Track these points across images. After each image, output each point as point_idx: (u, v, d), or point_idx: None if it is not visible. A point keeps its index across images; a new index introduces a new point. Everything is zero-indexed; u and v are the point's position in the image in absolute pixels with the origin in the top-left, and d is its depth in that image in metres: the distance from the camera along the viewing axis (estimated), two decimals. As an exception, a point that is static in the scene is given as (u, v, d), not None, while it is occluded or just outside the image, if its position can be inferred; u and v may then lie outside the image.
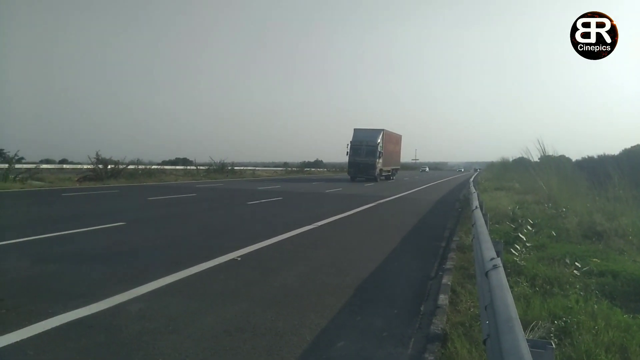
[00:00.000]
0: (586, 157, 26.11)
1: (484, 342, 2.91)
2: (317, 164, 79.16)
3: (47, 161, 51.09)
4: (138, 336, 3.93)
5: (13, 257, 6.78)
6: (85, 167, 30.86)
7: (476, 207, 8.23)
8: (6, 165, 23.10)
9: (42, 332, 3.94)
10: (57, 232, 8.82)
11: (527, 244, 7.30)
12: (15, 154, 27.15)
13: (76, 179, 25.71)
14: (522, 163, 27.93)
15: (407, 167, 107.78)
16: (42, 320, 4.19)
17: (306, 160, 74.44)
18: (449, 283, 5.95)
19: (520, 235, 7.48)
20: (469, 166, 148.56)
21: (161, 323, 4.25)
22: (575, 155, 28.44)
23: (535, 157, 20.29)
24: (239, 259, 7.03)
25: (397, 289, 5.84)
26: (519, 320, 2.20)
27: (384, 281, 6.22)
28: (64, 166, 43.44)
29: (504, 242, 5.69)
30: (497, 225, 10.27)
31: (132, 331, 4.03)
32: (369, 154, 36.18)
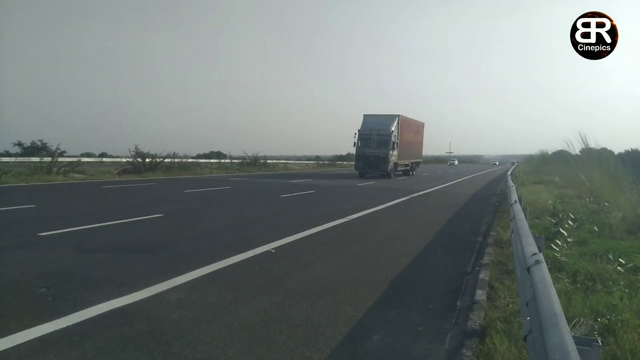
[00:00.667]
0: (629, 149, 25.10)
1: (525, 338, 2.85)
2: (349, 157, 78.79)
3: (88, 155, 53.00)
4: (177, 325, 4.03)
5: (58, 247, 7.06)
6: (124, 160, 31.79)
7: (515, 201, 8.02)
8: (49, 159, 24.02)
9: (87, 319, 4.09)
10: (99, 223, 9.13)
11: (569, 239, 7.08)
12: (57, 148, 28.25)
13: (116, 172, 26.52)
14: (562, 156, 27.06)
15: (441, 160, 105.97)
16: (86, 307, 4.35)
17: (338, 154, 74.22)
18: (486, 278, 5.83)
19: (561, 230, 7.25)
20: (506, 159, 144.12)
21: (199, 312, 4.35)
22: (617, 147, 27.42)
23: (576, 149, 19.63)
24: (273, 251, 7.09)
25: (432, 284, 5.78)
26: (564, 316, 2.14)
27: (418, 275, 6.16)
28: (104, 159, 44.96)
29: (544, 237, 5.52)
30: (536, 220, 9.99)
31: (172, 320, 4.14)
32: (380, 145, 29.68)
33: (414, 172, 37.51)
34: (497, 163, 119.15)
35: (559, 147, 30.66)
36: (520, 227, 4.87)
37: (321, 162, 61.63)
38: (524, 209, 6.96)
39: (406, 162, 34.49)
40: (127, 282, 5.18)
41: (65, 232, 8.18)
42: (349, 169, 53.19)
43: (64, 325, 3.92)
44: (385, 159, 29.50)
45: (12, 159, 31.38)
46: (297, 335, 3.89)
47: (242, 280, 5.51)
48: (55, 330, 3.82)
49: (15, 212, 10.87)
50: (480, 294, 5.18)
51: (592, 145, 18.12)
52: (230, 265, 6.16)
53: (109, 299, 4.60)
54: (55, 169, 22.74)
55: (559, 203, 11.71)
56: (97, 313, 4.24)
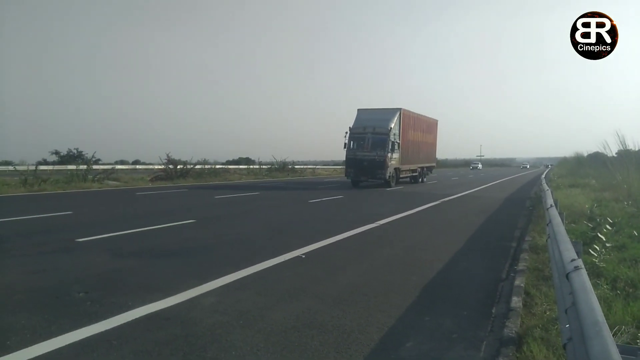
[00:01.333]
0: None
1: (564, 346, 2.77)
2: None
3: (122, 162, 54.54)
4: (212, 329, 4.09)
5: (95, 253, 7.26)
6: (156, 167, 32.50)
7: (551, 205, 7.83)
8: (85, 167, 24.76)
9: (124, 323, 4.20)
10: (134, 229, 9.35)
11: (607, 244, 6.85)
12: (93, 156, 29.16)
13: (149, 178, 27.17)
14: (598, 158, 26.29)
15: (470, 164, 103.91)
16: (123, 312, 4.46)
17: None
18: (522, 285, 5.70)
19: (599, 235, 7.03)
20: (539, 162, 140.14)
21: (233, 317, 4.40)
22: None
23: (612, 151, 19.06)
24: (304, 256, 7.12)
25: (466, 290, 5.68)
26: (606, 324, 2.08)
27: (451, 281, 6.06)
28: (137, 167, 46.11)
29: (582, 242, 5.36)
30: (573, 225, 9.71)
31: (206, 324, 4.20)
32: (375, 146, 23.79)
33: (425, 179, 31.44)
34: (528, 166, 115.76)
35: (594, 149, 29.81)
36: (557, 232, 4.75)
37: (349, 167, 61.48)
38: (560, 214, 6.79)
39: (413, 166, 28.52)
40: (162, 287, 5.29)
41: (102, 237, 8.41)
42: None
43: (103, 329, 4.03)
44: (382, 164, 23.74)
45: (50, 167, 32.46)
46: (329, 341, 3.89)
47: (273, 285, 5.54)
48: (95, 334, 3.92)
49: (53, 218, 11.24)
50: (516, 301, 5.06)
51: (630, 146, 17.56)
52: (262, 270, 6.21)
53: (145, 304, 4.70)
54: (90, 177, 23.40)
55: (596, 207, 11.36)
56: (134, 317, 4.34)
